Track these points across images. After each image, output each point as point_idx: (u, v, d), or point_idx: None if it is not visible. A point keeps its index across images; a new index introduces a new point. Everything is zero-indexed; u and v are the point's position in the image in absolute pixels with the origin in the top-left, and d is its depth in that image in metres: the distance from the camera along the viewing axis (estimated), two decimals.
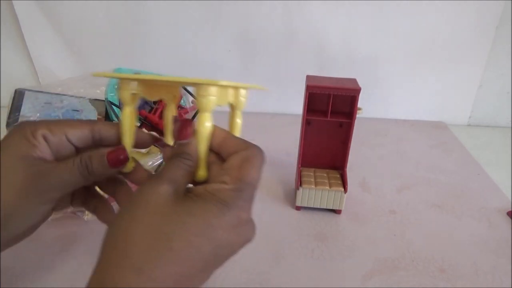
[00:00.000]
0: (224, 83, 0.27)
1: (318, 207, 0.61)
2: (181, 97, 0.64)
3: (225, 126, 0.34)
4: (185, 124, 0.30)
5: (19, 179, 0.29)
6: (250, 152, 0.29)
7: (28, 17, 0.89)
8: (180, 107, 0.64)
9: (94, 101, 0.65)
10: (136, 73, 0.66)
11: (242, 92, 0.33)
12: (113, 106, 0.59)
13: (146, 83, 0.32)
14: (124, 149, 0.32)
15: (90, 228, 0.55)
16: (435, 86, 0.94)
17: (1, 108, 0.78)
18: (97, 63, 0.94)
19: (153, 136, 0.35)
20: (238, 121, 0.33)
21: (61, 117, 0.62)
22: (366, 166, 0.76)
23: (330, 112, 0.57)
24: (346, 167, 0.61)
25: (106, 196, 0.37)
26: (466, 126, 0.99)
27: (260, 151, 0.30)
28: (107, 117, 0.64)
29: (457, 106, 0.97)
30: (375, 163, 0.77)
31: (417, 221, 0.61)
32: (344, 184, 0.60)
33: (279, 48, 0.91)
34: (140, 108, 0.59)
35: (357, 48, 0.90)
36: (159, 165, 0.54)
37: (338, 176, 0.62)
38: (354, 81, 0.58)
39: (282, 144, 0.82)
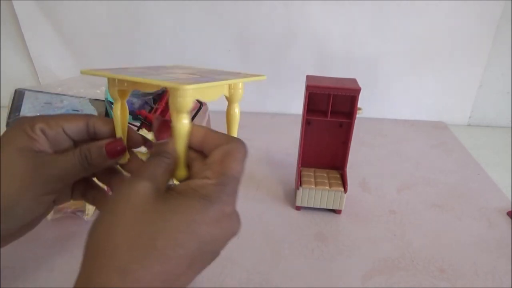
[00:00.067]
0: (192, 86, 0.26)
1: (318, 207, 0.61)
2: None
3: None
4: (163, 125, 0.31)
5: (22, 171, 0.30)
6: (231, 145, 0.29)
7: (28, 17, 0.89)
8: None
9: (94, 101, 0.65)
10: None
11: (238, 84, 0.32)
12: (113, 106, 0.59)
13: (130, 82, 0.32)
14: (121, 141, 0.33)
15: None
16: (435, 86, 0.94)
17: (1, 108, 0.78)
18: (97, 63, 0.94)
19: (143, 137, 0.36)
20: (236, 111, 0.33)
21: None
22: (366, 166, 0.76)
23: (330, 112, 0.57)
24: (346, 167, 0.61)
25: (104, 187, 0.38)
26: (466, 126, 0.99)
27: (241, 144, 0.29)
28: (107, 116, 0.64)
29: (457, 106, 0.97)
30: (375, 163, 0.77)
31: (417, 221, 0.61)
32: (344, 184, 0.60)
33: (279, 48, 0.91)
34: (140, 108, 0.59)
35: (357, 48, 0.90)
36: None
37: (338, 176, 0.62)
38: (354, 81, 0.58)
39: (282, 144, 0.82)
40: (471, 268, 0.52)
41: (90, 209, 0.56)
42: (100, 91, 0.67)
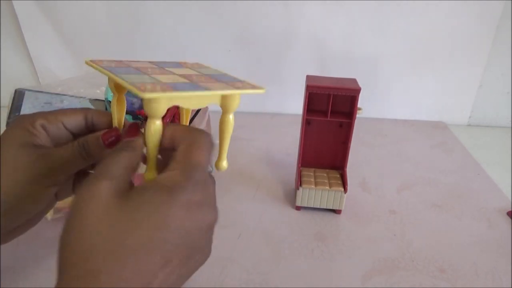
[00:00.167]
0: (154, 95, 0.26)
1: (318, 207, 0.61)
2: None
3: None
4: (132, 127, 0.31)
5: (25, 165, 0.31)
6: (193, 136, 0.29)
7: (28, 17, 0.89)
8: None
9: (94, 101, 0.65)
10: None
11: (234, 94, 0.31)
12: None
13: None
14: (117, 130, 0.34)
15: None
16: (435, 86, 0.94)
17: (1, 108, 0.78)
18: None
19: (139, 122, 0.36)
20: (231, 120, 0.32)
21: None
22: (366, 166, 0.76)
23: (330, 112, 0.57)
24: (346, 167, 0.61)
25: None
26: (466, 126, 0.99)
27: (204, 134, 0.29)
28: None
29: (457, 106, 0.97)
30: (375, 163, 0.77)
31: (417, 221, 0.61)
32: (344, 184, 0.60)
33: (279, 48, 0.91)
34: (140, 108, 0.59)
35: (357, 48, 0.90)
36: None
37: (338, 176, 0.62)
38: (354, 81, 0.58)
39: (282, 144, 0.82)
40: (471, 268, 0.52)
41: None
42: (100, 91, 0.67)
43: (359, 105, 0.56)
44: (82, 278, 0.22)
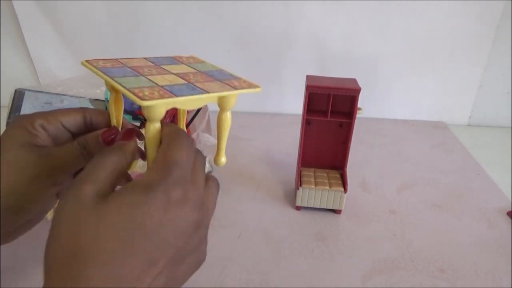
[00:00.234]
0: (153, 103, 0.26)
1: (318, 207, 0.61)
2: None
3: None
4: (128, 130, 0.31)
5: (27, 165, 0.31)
6: (171, 136, 0.28)
7: (28, 17, 0.89)
8: None
9: (94, 101, 0.65)
10: None
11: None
12: None
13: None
14: (116, 128, 0.34)
15: None
16: (435, 86, 0.94)
17: (1, 108, 0.78)
18: None
19: (136, 127, 0.37)
20: (228, 118, 0.32)
21: None
22: (366, 166, 0.76)
23: (330, 112, 0.57)
24: (346, 167, 0.61)
25: None
26: (466, 126, 0.99)
27: (181, 133, 0.29)
28: None
29: (457, 106, 0.97)
30: (375, 163, 0.77)
31: (417, 221, 0.61)
32: (344, 184, 0.60)
33: (279, 48, 0.91)
34: (140, 108, 0.59)
35: (357, 48, 0.90)
36: None
37: (338, 176, 0.62)
38: (354, 81, 0.58)
39: (282, 144, 0.82)
40: (471, 268, 0.52)
41: None
42: (100, 91, 0.67)
43: (359, 105, 0.56)
44: (63, 283, 0.22)
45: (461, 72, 0.92)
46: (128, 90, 0.27)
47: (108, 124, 0.35)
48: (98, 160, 0.27)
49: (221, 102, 0.31)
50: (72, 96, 0.65)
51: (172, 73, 0.33)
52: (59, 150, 0.33)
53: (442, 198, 0.66)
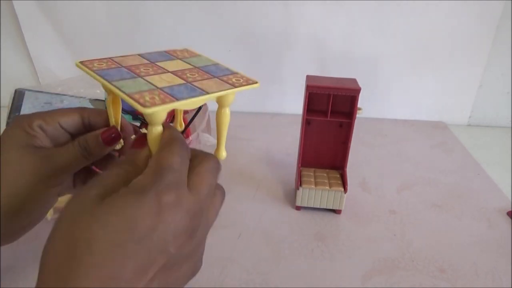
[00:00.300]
0: (155, 109, 0.26)
1: (318, 207, 0.61)
2: None
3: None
4: (140, 137, 0.32)
5: (29, 167, 0.31)
6: (166, 139, 0.28)
7: (28, 17, 0.89)
8: None
9: (94, 101, 0.65)
10: None
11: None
12: None
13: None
14: (115, 128, 0.34)
15: None
16: (435, 86, 0.94)
17: (1, 108, 0.78)
18: None
19: (134, 126, 0.37)
20: (227, 114, 0.32)
21: None
22: (366, 166, 0.76)
23: (330, 112, 0.57)
24: (346, 167, 0.61)
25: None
26: (466, 126, 0.99)
27: (175, 137, 0.28)
28: None
29: (457, 106, 0.97)
30: (375, 163, 0.77)
31: (417, 221, 0.61)
32: (344, 184, 0.60)
33: (279, 48, 0.91)
34: None
35: (357, 48, 0.90)
36: None
37: (338, 176, 0.62)
38: (354, 81, 0.58)
39: (282, 144, 0.82)
40: (471, 268, 0.52)
41: None
42: (100, 91, 0.67)
43: (359, 105, 0.56)
44: (54, 283, 0.22)
45: (461, 72, 0.92)
46: (128, 95, 0.27)
47: (106, 123, 0.35)
48: (112, 168, 0.28)
49: (220, 99, 0.31)
50: (72, 96, 0.65)
51: (169, 72, 0.32)
52: (59, 151, 0.33)
53: (442, 198, 0.66)
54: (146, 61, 0.34)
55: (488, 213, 0.63)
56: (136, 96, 0.27)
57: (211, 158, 0.29)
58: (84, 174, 0.37)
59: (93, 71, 0.31)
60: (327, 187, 0.59)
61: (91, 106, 0.65)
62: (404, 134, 0.91)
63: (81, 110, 0.35)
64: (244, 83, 0.31)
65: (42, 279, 0.23)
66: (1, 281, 0.46)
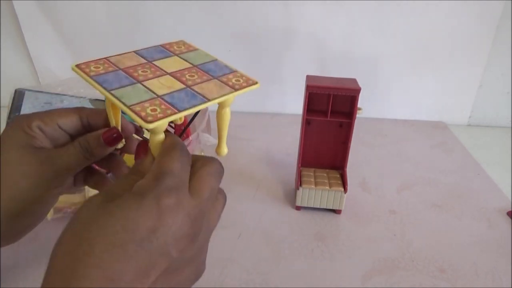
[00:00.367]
0: (157, 124, 0.26)
1: (318, 207, 0.61)
2: None
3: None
4: (141, 145, 0.32)
5: (31, 169, 0.31)
6: (166, 145, 0.29)
7: (28, 17, 0.89)
8: None
9: (94, 101, 0.65)
10: None
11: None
12: None
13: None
14: (116, 128, 0.34)
15: None
16: (435, 86, 0.94)
17: (1, 108, 0.78)
18: None
19: (135, 125, 0.37)
20: (228, 113, 0.32)
21: None
22: (366, 166, 0.76)
23: (330, 112, 0.57)
24: (346, 167, 0.61)
25: (103, 171, 0.39)
26: (466, 126, 0.99)
27: (175, 143, 0.29)
28: None
29: (457, 106, 0.97)
30: (375, 163, 0.77)
31: (417, 221, 0.61)
32: (344, 184, 0.60)
33: (279, 48, 0.91)
34: None
35: (357, 48, 0.90)
36: None
37: (338, 176, 0.62)
38: (354, 81, 0.58)
39: (282, 144, 0.82)
40: (471, 268, 0.52)
41: None
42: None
43: (359, 105, 0.56)
44: (59, 282, 0.23)
45: (461, 72, 0.92)
46: (130, 109, 0.27)
47: (106, 123, 0.35)
48: (120, 178, 0.28)
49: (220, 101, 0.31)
50: (72, 96, 0.65)
51: (168, 73, 0.32)
52: (59, 152, 0.33)
53: (442, 198, 0.66)
54: (143, 60, 0.34)
55: (488, 213, 0.63)
56: (138, 109, 0.27)
57: (213, 162, 0.29)
58: (85, 173, 0.38)
59: (90, 77, 0.31)
60: (327, 187, 0.59)
61: (91, 106, 0.65)
62: (404, 134, 0.91)
63: (79, 110, 0.35)
64: (244, 84, 0.31)
65: (48, 279, 0.24)
66: (1, 281, 0.46)
